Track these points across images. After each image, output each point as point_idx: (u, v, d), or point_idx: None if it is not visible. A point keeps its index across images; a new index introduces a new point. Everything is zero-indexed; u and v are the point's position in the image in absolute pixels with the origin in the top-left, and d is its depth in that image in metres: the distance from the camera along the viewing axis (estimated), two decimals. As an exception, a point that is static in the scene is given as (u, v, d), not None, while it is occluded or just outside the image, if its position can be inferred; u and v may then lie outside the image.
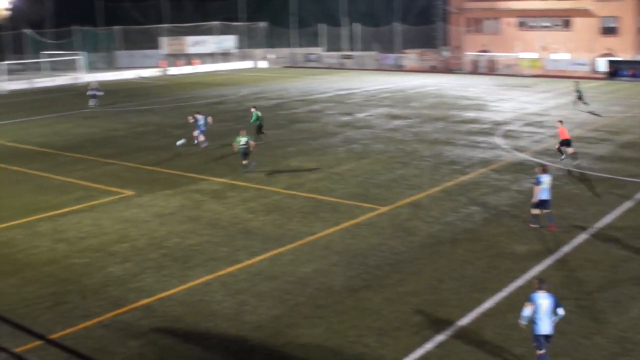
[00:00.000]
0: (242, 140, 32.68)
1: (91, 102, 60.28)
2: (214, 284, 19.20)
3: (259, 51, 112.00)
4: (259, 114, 41.24)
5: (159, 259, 21.42)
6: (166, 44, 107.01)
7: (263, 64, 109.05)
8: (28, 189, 30.44)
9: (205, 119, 39.64)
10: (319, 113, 53.06)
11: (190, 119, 39.68)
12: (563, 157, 34.07)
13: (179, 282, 19.40)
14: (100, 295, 18.71)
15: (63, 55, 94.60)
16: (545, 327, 13.98)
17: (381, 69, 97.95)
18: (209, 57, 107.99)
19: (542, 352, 14.05)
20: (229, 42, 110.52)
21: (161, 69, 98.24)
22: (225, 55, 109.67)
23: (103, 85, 76.07)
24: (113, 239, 23.52)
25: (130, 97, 67.68)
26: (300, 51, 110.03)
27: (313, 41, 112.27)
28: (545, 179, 23.26)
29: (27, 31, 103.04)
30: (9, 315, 16.69)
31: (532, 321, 14.14)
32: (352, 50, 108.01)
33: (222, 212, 26.57)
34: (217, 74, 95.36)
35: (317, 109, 55.59)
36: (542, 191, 23.17)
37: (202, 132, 39.32)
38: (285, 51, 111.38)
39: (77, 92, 73.02)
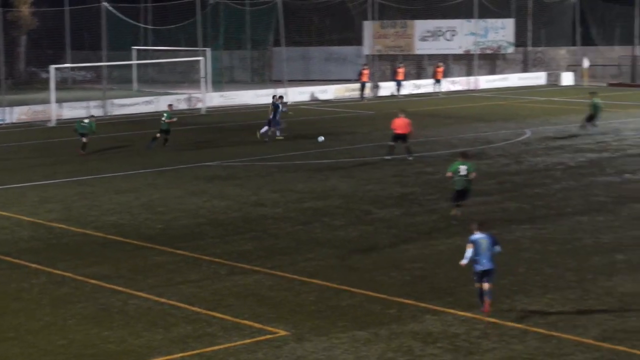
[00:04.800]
0: (462, 168, 24.02)
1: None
2: None
3: (562, 53, 65.58)
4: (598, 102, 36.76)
5: None
6: (371, 34, 62.28)
7: (568, 79, 63.28)
8: (80, 316, 18.41)
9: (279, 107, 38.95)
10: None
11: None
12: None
13: None
14: None
15: (166, 55, 60.24)
16: (484, 264, 16.38)
17: None
18: (458, 61, 64.30)
19: (478, 285, 16.53)
20: (501, 31, 62.39)
21: (368, 87, 56.29)
22: (490, 59, 64.39)
23: (242, 113, 49.68)
24: None
25: (297, 139, 40.07)
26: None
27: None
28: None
29: (106, 4, 53.70)
30: None
31: (472, 260, 16.43)
32: None
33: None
34: (474, 97, 57.69)
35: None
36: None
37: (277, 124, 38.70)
38: (614, 53, 64.37)
39: (197, 127, 45.33)
